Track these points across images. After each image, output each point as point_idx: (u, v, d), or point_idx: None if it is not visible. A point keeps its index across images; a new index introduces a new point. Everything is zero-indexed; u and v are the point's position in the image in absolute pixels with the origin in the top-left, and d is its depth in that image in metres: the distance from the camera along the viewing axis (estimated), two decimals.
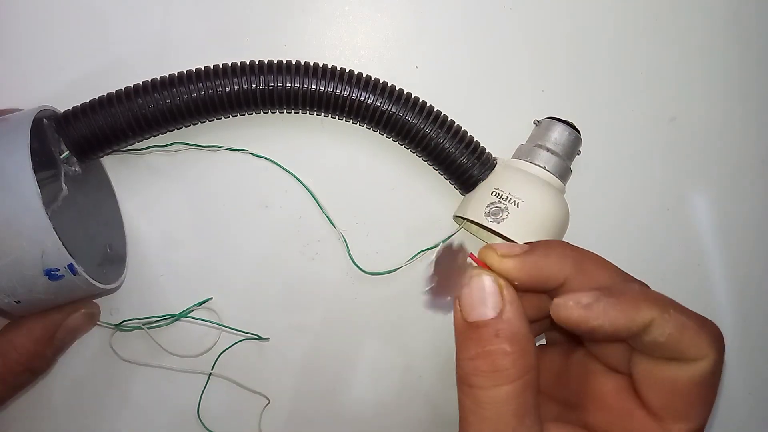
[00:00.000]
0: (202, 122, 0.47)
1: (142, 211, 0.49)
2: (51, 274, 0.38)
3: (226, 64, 0.45)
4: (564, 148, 0.47)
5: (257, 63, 0.45)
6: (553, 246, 0.33)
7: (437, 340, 0.52)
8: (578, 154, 0.49)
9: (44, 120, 0.42)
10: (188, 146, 0.48)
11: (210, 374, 0.50)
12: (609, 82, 0.52)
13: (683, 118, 0.53)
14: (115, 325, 0.48)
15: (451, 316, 0.50)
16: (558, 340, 0.39)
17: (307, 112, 0.47)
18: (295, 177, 0.49)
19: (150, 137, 0.47)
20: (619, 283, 0.32)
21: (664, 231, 0.53)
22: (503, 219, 0.44)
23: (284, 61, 0.46)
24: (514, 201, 0.44)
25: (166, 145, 0.48)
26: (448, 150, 0.46)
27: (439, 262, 0.31)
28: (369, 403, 0.52)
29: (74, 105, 0.44)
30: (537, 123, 0.49)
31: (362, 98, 0.45)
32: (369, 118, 0.46)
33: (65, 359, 0.49)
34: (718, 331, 0.30)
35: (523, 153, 0.48)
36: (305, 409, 0.51)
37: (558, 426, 0.32)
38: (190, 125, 0.47)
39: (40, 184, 0.37)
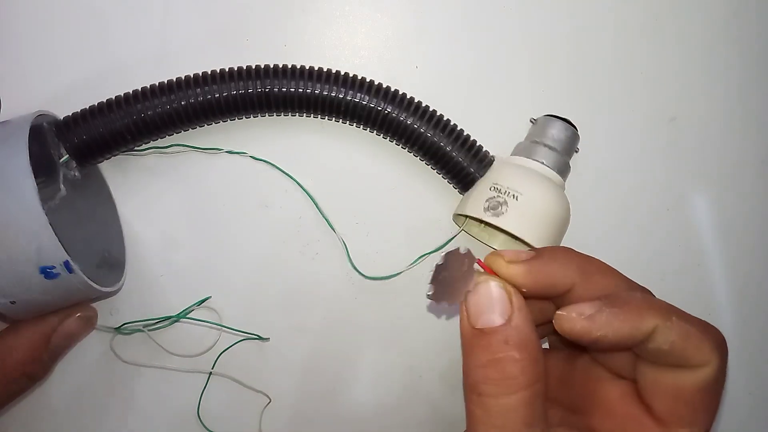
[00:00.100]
0: (200, 126, 0.47)
1: (142, 212, 0.49)
2: (47, 272, 0.37)
3: (223, 69, 0.45)
4: (562, 144, 0.47)
5: (253, 67, 0.45)
6: (559, 252, 0.33)
7: (438, 340, 0.52)
8: (576, 151, 0.48)
9: (44, 124, 0.42)
10: (188, 148, 0.48)
11: (210, 373, 0.50)
12: (609, 82, 0.52)
13: (683, 118, 0.53)
14: (115, 328, 0.48)
15: (449, 317, 0.51)
16: (561, 345, 0.39)
17: (303, 114, 0.47)
18: (294, 181, 0.49)
19: (149, 142, 0.47)
20: (622, 292, 0.32)
21: (664, 231, 0.53)
22: (502, 213, 0.44)
23: (280, 65, 0.46)
24: (513, 194, 0.44)
25: (166, 147, 0.48)
26: (443, 148, 0.46)
27: (444, 266, 0.31)
28: (369, 402, 0.52)
29: (74, 109, 0.44)
30: (534, 121, 0.49)
31: (356, 99, 0.46)
32: (363, 118, 0.46)
33: (66, 362, 0.49)
34: (721, 337, 0.30)
35: (521, 150, 0.48)
36: (306, 408, 0.51)
37: (563, 431, 0.33)
38: (188, 129, 0.47)
39: (38, 184, 0.37)
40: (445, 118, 0.47)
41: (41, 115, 0.42)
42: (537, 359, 0.30)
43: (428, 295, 0.31)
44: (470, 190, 0.47)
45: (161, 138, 0.47)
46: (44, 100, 0.47)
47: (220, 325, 0.49)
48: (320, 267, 0.50)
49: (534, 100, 0.51)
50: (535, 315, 0.35)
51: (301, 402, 0.51)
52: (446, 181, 0.49)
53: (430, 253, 0.50)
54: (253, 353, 0.50)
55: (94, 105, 0.44)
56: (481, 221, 0.47)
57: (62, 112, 0.44)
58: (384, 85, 0.47)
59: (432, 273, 0.30)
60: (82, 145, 0.43)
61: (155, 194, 0.49)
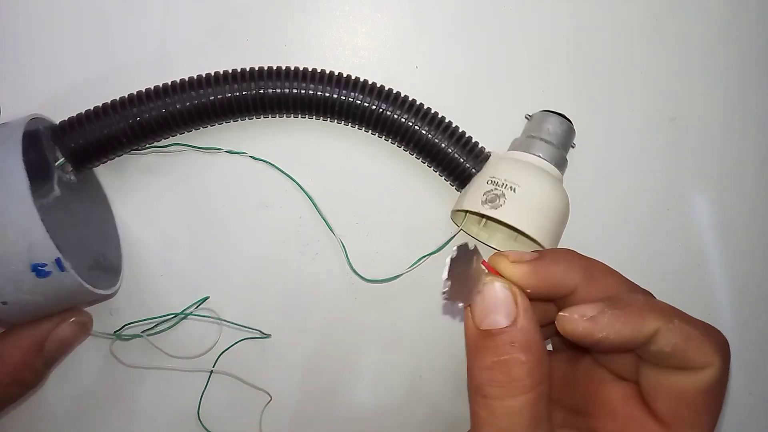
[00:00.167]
0: (196, 129, 0.47)
1: (142, 211, 0.49)
2: (38, 269, 0.37)
3: (218, 72, 0.45)
4: (558, 137, 0.47)
5: (248, 70, 0.45)
6: (562, 253, 0.33)
7: (438, 339, 0.52)
8: (573, 146, 0.48)
9: (40, 128, 0.42)
10: (188, 147, 0.48)
11: (211, 372, 0.50)
12: (609, 82, 0.52)
13: (683, 118, 0.52)
14: (114, 333, 0.48)
15: (449, 317, 0.51)
16: (564, 347, 0.39)
17: (298, 116, 0.48)
18: (294, 181, 0.49)
19: (145, 146, 0.47)
20: (624, 294, 0.32)
21: (664, 231, 0.53)
22: (500, 205, 0.43)
23: (274, 67, 0.46)
24: (511, 186, 0.43)
25: (165, 146, 0.48)
26: (438, 144, 0.46)
27: (457, 260, 0.31)
28: (369, 402, 0.52)
29: (74, 108, 0.44)
30: (529, 117, 0.49)
31: (350, 99, 0.46)
32: (357, 118, 0.46)
33: (66, 366, 0.49)
34: (723, 339, 0.30)
35: (518, 145, 0.48)
36: (306, 408, 0.51)
37: None
38: (184, 132, 0.47)
39: (33, 184, 0.37)
40: (439, 116, 0.47)
41: (37, 119, 0.42)
42: (542, 361, 0.30)
43: (444, 293, 0.30)
44: (467, 185, 0.47)
45: (158, 141, 0.47)
46: (44, 100, 0.47)
47: (222, 320, 0.49)
48: (320, 267, 0.50)
49: (534, 100, 0.51)
50: (538, 317, 0.35)
51: (301, 402, 0.51)
52: (444, 179, 0.49)
53: (430, 254, 0.50)
54: (254, 353, 0.50)
55: (89, 109, 0.44)
56: (479, 215, 0.47)
57: (62, 111, 0.44)
58: (378, 84, 0.47)
59: (447, 267, 0.30)
60: (78, 149, 0.43)
61: (155, 193, 0.49)
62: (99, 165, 0.47)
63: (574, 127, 0.48)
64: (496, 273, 0.32)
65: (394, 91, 0.47)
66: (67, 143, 0.43)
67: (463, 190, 0.48)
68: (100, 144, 0.44)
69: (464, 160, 0.46)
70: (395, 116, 0.46)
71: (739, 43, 0.53)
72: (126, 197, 0.49)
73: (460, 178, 0.47)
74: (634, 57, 0.52)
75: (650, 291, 0.34)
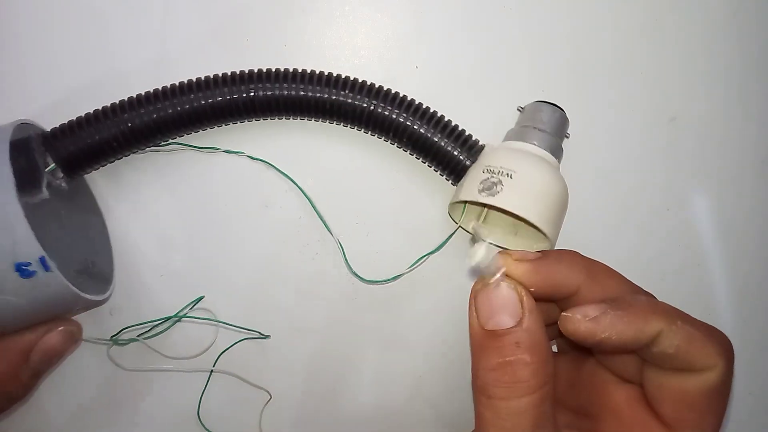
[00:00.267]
0: (188, 134, 0.47)
1: (140, 211, 0.49)
2: (22, 269, 0.36)
3: (208, 76, 0.45)
4: (552, 126, 0.46)
5: (238, 73, 0.45)
6: (565, 254, 0.33)
7: (438, 339, 0.52)
8: (567, 136, 0.48)
9: (31, 134, 0.42)
10: (185, 147, 0.48)
11: (211, 371, 0.50)
12: (609, 82, 0.52)
13: (683, 118, 0.52)
14: (111, 338, 0.48)
15: (450, 316, 0.51)
16: (568, 348, 0.39)
17: (291, 117, 0.47)
18: (292, 181, 0.49)
19: (137, 152, 0.47)
20: (627, 295, 0.32)
21: (664, 231, 0.53)
22: (498, 192, 0.42)
23: (264, 69, 0.46)
24: (507, 173, 0.42)
25: (163, 145, 0.47)
26: (430, 138, 0.46)
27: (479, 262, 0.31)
28: (370, 402, 0.52)
29: (74, 109, 0.44)
30: (521, 109, 0.49)
31: (340, 98, 0.46)
32: (349, 116, 0.46)
33: (64, 372, 0.49)
34: (726, 340, 0.30)
35: (512, 135, 0.47)
36: (306, 408, 0.51)
37: None
38: (176, 137, 0.47)
39: (20, 186, 0.36)
40: (431, 110, 0.47)
41: (28, 125, 0.41)
42: (547, 362, 0.30)
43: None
44: (463, 177, 0.47)
45: (150, 147, 0.46)
46: (44, 100, 0.47)
47: (220, 322, 0.49)
48: (320, 267, 0.50)
49: (534, 99, 0.51)
50: (543, 316, 0.35)
51: (301, 402, 0.51)
52: (443, 177, 0.48)
53: (429, 254, 0.50)
54: (253, 354, 0.50)
55: (81, 116, 0.44)
56: (477, 204, 0.46)
57: (62, 111, 0.44)
58: (368, 82, 0.46)
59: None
60: (69, 156, 0.43)
61: (153, 193, 0.49)
62: (91, 171, 0.46)
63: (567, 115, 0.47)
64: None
65: (384, 88, 0.46)
66: (58, 149, 0.43)
67: (459, 183, 0.47)
68: (92, 150, 0.44)
69: (458, 153, 0.46)
70: (386, 113, 0.46)
71: (739, 43, 0.53)
72: (124, 197, 0.49)
73: (456, 170, 0.47)
74: (634, 57, 0.52)
75: (651, 292, 0.34)
